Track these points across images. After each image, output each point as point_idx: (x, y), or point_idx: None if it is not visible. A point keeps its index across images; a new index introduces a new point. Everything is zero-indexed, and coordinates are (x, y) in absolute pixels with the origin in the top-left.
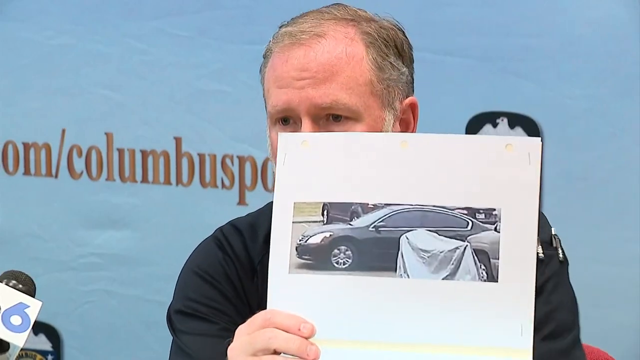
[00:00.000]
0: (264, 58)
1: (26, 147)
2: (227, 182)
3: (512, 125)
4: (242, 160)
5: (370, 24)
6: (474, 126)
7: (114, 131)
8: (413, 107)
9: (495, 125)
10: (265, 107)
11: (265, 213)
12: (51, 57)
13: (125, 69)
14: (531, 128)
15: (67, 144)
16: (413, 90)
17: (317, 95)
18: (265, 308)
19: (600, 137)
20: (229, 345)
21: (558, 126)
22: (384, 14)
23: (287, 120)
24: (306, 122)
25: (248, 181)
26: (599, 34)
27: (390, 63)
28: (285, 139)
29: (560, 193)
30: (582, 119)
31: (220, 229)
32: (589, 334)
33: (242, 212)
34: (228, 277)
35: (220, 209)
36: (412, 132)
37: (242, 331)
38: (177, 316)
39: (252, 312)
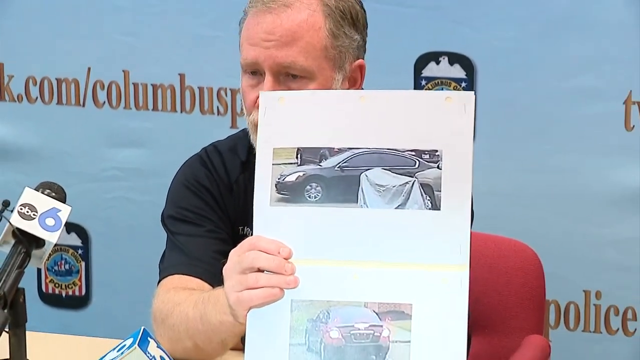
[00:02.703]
0: (243, 14)
1: (59, 81)
2: (222, 110)
3: (451, 63)
4: (234, 92)
5: None
6: (421, 63)
7: (130, 69)
8: (361, 68)
9: (438, 62)
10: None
11: (242, 138)
12: (79, 7)
13: (140, 19)
14: (467, 65)
15: (92, 79)
16: (365, 50)
17: (279, 56)
18: (241, 220)
19: (523, 71)
20: (223, 264)
21: (489, 63)
22: None
23: (254, 72)
24: (268, 77)
25: (239, 109)
26: None
27: (344, 32)
28: (265, 97)
29: (492, 116)
30: (508, 56)
31: (205, 149)
32: (516, 230)
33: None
34: (210, 189)
35: (216, 132)
36: (359, 88)
37: (233, 254)
38: (169, 220)
39: (230, 221)
